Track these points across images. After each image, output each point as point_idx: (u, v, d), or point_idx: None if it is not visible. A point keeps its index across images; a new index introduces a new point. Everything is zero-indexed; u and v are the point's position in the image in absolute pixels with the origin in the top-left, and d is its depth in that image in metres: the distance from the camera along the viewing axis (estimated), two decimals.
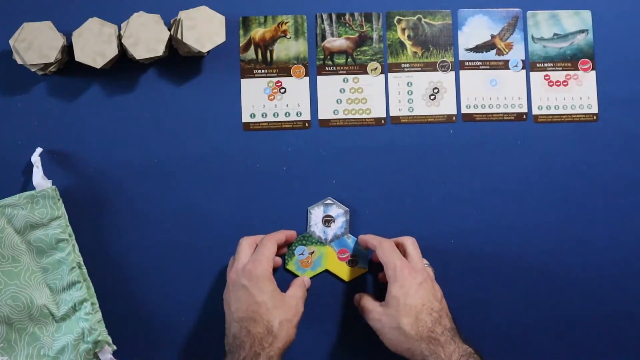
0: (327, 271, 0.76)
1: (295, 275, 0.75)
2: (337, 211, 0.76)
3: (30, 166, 0.73)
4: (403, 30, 0.79)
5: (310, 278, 0.75)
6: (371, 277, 0.76)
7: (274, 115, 0.77)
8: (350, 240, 0.76)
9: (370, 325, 0.69)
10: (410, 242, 0.72)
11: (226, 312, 0.69)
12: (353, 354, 0.76)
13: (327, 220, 0.76)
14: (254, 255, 0.69)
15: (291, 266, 0.76)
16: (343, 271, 0.76)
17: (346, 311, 0.76)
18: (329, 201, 0.76)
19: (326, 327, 0.76)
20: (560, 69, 0.79)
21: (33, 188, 0.72)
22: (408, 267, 0.68)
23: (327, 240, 0.76)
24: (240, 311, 0.66)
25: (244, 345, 0.64)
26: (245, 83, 0.77)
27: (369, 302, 0.70)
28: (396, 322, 0.66)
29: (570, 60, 0.79)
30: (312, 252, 0.76)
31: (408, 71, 0.78)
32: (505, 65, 0.79)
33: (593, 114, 0.79)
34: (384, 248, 0.70)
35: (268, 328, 0.65)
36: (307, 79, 0.78)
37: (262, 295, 0.67)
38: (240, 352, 0.64)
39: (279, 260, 0.75)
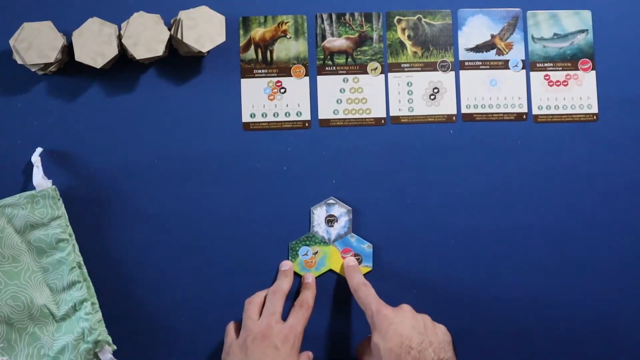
0: (331, 271, 0.76)
1: (300, 276, 0.75)
2: (340, 210, 0.76)
3: (30, 166, 0.73)
4: (403, 30, 0.79)
5: (315, 278, 0.76)
6: (375, 276, 0.76)
7: (274, 115, 0.77)
8: (353, 240, 0.76)
9: None
10: (365, 288, 0.71)
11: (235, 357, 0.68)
12: (355, 353, 0.76)
13: (330, 220, 0.76)
14: (284, 322, 0.69)
15: (295, 267, 0.76)
16: None
17: (351, 310, 0.76)
18: (331, 201, 0.76)
19: (332, 327, 0.76)
20: (560, 69, 0.79)
21: (33, 188, 0.72)
22: (384, 309, 0.67)
23: (331, 240, 0.76)
24: None
25: None
26: (245, 83, 0.77)
27: (363, 354, 0.70)
28: None
29: (570, 60, 0.79)
30: (316, 252, 0.76)
31: (408, 71, 0.78)
32: (505, 65, 0.79)
33: (593, 114, 0.79)
34: (359, 295, 0.70)
35: None
36: (307, 79, 0.78)
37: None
38: None
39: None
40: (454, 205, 0.77)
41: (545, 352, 0.76)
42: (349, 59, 0.78)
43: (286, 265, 0.75)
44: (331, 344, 0.75)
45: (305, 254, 0.76)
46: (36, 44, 0.70)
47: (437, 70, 0.79)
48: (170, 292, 0.75)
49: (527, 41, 0.79)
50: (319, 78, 0.78)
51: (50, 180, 0.72)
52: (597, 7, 0.79)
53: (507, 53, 0.79)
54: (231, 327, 0.72)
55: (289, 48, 0.78)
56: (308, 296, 0.73)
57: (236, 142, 0.76)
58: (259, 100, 0.77)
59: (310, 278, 0.75)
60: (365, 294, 0.70)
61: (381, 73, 0.78)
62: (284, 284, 0.73)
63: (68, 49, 0.74)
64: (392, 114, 0.78)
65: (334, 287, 0.76)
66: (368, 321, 0.69)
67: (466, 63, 0.79)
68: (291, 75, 0.78)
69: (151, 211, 0.75)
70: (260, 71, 0.78)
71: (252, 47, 0.78)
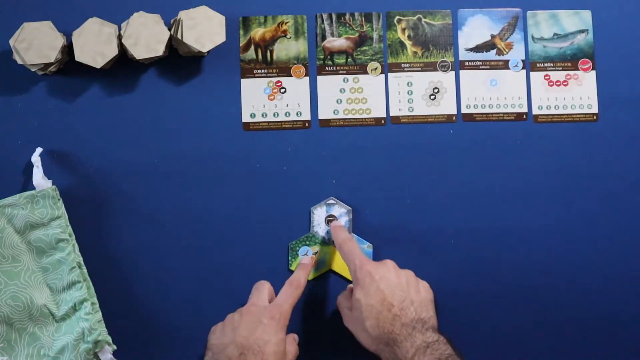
0: (331, 271, 0.76)
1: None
2: (340, 210, 0.76)
3: (30, 166, 0.73)
4: (403, 30, 0.79)
5: (315, 278, 0.76)
6: None
7: (274, 115, 0.77)
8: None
9: None
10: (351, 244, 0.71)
11: (223, 334, 0.67)
12: (357, 353, 0.76)
13: (330, 220, 0.76)
14: (284, 302, 0.68)
15: (295, 267, 0.76)
16: (347, 270, 0.76)
17: None
18: (331, 201, 0.76)
19: (330, 325, 0.76)
20: (560, 68, 0.79)
21: (33, 188, 0.72)
22: (367, 264, 0.68)
23: (331, 240, 0.76)
24: (244, 337, 0.64)
25: None
26: (245, 83, 0.77)
27: (343, 307, 0.70)
28: (362, 325, 0.66)
29: (570, 60, 0.79)
30: (316, 252, 0.76)
31: (408, 71, 0.78)
32: (505, 65, 0.79)
33: (593, 114, 0.79)
34: (343, 250, 0.71)
35: None
36: (307, 79, 0.78)
37: (275, 336, 0.65)
38: None
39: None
40: (453, 205, 0.77)
41: (546, 352, 0.76)
42: (349, 59, 0.78)
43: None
44: (330, 343, 0.75)
45: (305, 254, 0.76)
46: (36, 44, 0.70)
47: (437, 70, 0.79)
48: (170, 292, 0.75)
49: (527, 41, 0.79)
50: (319, 78, 0.78)
51: (50, 180, 0.72)
52: (597, 7, 0.79)
53: (507, 53, 0.79)
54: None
55: (289, 48, 0.78)
56: (300, 275, 0.72)
57: (236, 142, 0.76)
58: (259, 100, 0.77)
59: (306, 260, 0.75)
60: (350, 248, 0.70)
61: (381, 73, 0.78)
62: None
63: (68, 49, 0.74)
64: (392, 114, 0.78)
65: (334, 287, 0.76)
66: (351, 275, 0.69)
67: (466, 63, 0.79)
68: (291, 75, 0.78)
69: (151, 211, 0.75)
70: (260, 71, 0.78)
71: (252, 47, 0.78)
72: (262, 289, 0.71)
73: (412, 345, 0.62)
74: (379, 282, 0.66)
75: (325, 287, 0.76)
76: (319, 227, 0.76)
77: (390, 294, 0.65)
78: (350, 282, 0.76)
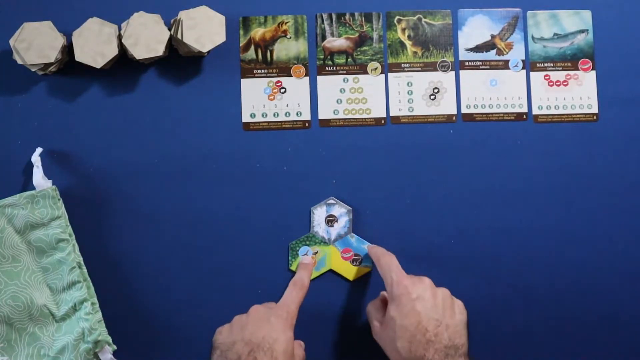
0: (331, 271, 0.76)
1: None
2: (340, 211, 0.76)
3: (30, 166, 0.73)
4: (403, 30, 0.79)
5: (315, 278, 0.76)
6: (375, 275, 0.76)
7: (274, 115, 0.77)
8: (353, 240, 0.76)
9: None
10: (388, 259, 0.70)
11: (231, 333, 0.66)
12: (357, 353, 0.76)
13: (330, 220, 0.76)
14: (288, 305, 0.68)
15: (295, 267, 0.76)
16: (347, 270, 0.76)
17: (351, 310, 0.76)
18: (331, 201, 0.76)
19: (331, 327, 0.76)
20: (560, 69, 0.79)
21: (33, 188, 0.72)
22: (404, 279, 0.67)
23: (331, 240, 0.76)
24: (253, 334, 0.64)
25: None
26: (245, 83, 0.77)
27: (373, 318, 0.70)
28: (393, 343, 0.65)
29: (570, 60, 0.79)
30: (316, 252, 0.76)
31: (408, 71, 0.78)
32: (505, 65, 0.79)
33: (593, 114, 0.79)
34: (380, 263, 0.70)
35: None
36: (307, 79, 0.78)
37: (284, 334, 0.64)
38: None
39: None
40: (453, 205, 0.77)
41: (546, 352, 0.76)
42: (349, 59, 0.78)
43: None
44: (331, 343, 0.75)
45: (306, 254, 0.76)
46: (36, 44, 0.70)
47: (437, 70, 0.79)
48: (170, 292, 0.75)
49: (527, 41, 0.79)
50: (319, 78, 0.78)
51: (50, 180, 0.72)
52: (597, 7, 0.79)
53: (507, 53, 0.79)
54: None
55: (289, 48, 0.78)
56: (304, 275, 0.72)
57: (236, 142, 0.76)
58: (259, 100, 0.77)
59: (307, 259, 0.75)
60: (387, 262, 0.69)
61: (381, 73, 0.78)
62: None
63: (68, 49, 0.74)
64: (392, 114, 0.78)
65: (334, 287, 0.76)
66: (386, 289, 0.68)
67: (466, 63, 0.79)
68: (291, 75, 0.78)
69: (151, 211, 0.75)
70: (260, 71, 0.78)
71: (252, 47, 0.78)
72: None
73: None
74: (415, 302, 0.65)
75: (325, 288, 0.76)
76: (319, 227, 0.76)
77: (426, 317, 0.64)
78: (350, 281, 0.76)
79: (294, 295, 0.69)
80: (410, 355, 0.63)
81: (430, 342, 0.63)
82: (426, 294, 0.66)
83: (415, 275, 0.68)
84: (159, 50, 0.71)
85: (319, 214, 0.76)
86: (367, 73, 0.78)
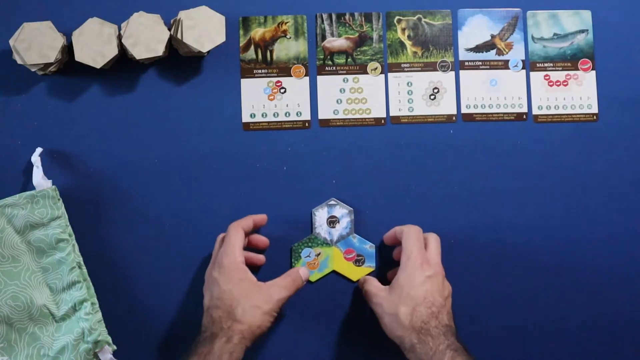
0: (334, 272, 0.76)
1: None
2: (342, 211, 0.76)
3: (30, 166, 0.73)
4: (403, 30, 0.79)
5: (318, 280, 0.76)
6: (379, 276, 0.76)
7: (274, 115, 0.77)
8: (356, 240, 0.76)
9: (372, 309, 0.70)
10: (433, 238, 0.71)
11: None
12: (360, 353, 0.76)
13: (332, 221, 0.76)
14: (222, 248, 0.70)
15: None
16: (350, 271, 0.76)
17: (354, 311, 0.76)
18: (332, 202, 0.76)
19: (334, 327, 0.76)
20: (560, 69, 0.79)
21: (33, 188, 0.72)
22: (422, 259, 0.68)
23: (333, 241, 0.76)
24: (207, 300, 0.68)
25: (205, 329, 0.66)
26: (245, 83, 0.77)
27: (373, 286, 0.71)
28: (395, 309, 0.67)
29: (570, 60, 0.79)
30: (319, 254, 0.76)
31: (408, 71, 0.78)
32: (505, 65, 0.79)
33: (593, 114, 0.79)
34: (409, 234, 0.70)
35: (229, 312, 0.66)
36: (307, 79, 0.78)
37: (228, 284, 0.67)
38: (202, 334, 0.66)
39: (262, 258, 0.74)
40: (454, 205, 0.77)
41: (545, 351, 0.76)
42: (349, 59, 0.78)
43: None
44: (331, 343, 0.75)
45: (308, 256, 0.76)
46: (36, 44, 0.70)
47: (437, 70, 0.79)
48: (170, 292, 0.75)
49: (527, 41, 0.79)
50: (319, 78, 0.78)
51: (50, 180, 0.72)
52: (597, 7, 0.79)
53: (507, 53, 0.79)
54: (220, 238, 0.72)
55: (289, 48, 0.78)
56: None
57: (236, 142, 0.76)
58: (259, 100, 0.77)
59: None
60: (415, 236, 0.70)
61: (381, 73, 0.78)
62: (245, 220, 0.72)
63: (68, 49, 0.74)
64: (392, 114, 0.78)
65: (337, 288, 0.76)
66: (401, 258, 0.69)
67: (466, 63, 0.79)
68: (291, 75, 0.78)
69: (151, 211, 0.75)
70: (260, 71, 0.78)
71: (252, 47, 0.78)
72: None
73: (443, 342, 0.64)
74: (427, 280, 0.67)
75: (328, 289, 0.76)
76: (321, 229, 0.76)
77: (432, 295, 0.67)
78: (353, 282, 0.76)
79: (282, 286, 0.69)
80: (408, 324, 0.65)
81: (433, 315, 0.66)
82: (438, 279, 0.68)
83: (435, 260, 0.69)
84: (158, 50, 0.71)
85: (320, 215, 0.76)
86: (367, 73, 0.78)
